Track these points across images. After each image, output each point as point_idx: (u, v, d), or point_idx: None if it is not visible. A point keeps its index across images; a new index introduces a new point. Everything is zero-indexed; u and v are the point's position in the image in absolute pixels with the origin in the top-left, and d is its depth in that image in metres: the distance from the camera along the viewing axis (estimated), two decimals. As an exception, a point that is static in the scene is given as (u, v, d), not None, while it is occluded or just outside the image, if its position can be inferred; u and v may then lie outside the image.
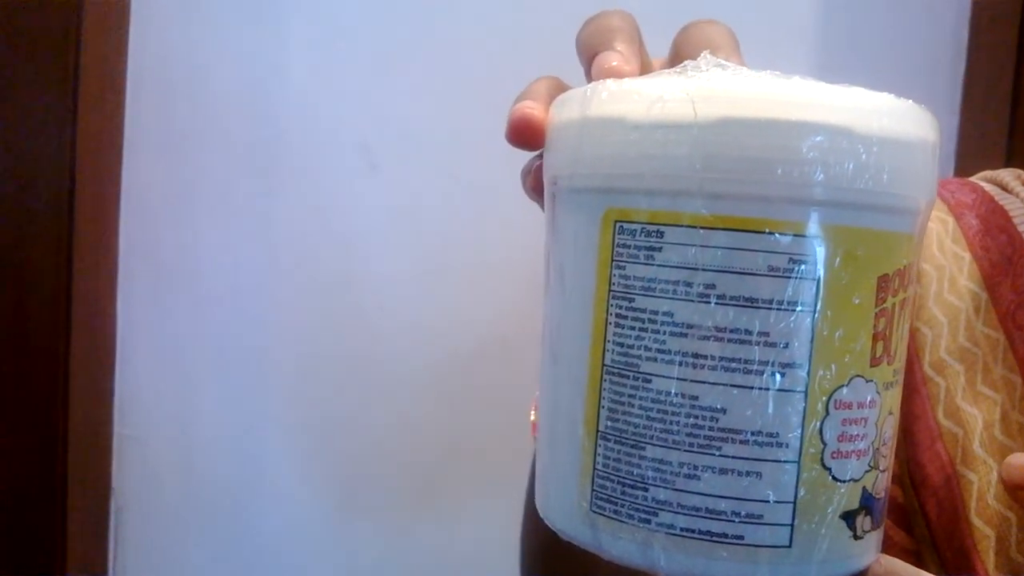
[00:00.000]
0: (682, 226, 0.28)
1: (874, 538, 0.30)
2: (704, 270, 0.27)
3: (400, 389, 1.17)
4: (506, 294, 1.12)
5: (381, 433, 1.19)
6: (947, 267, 0.48)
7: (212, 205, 1.17)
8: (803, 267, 0.27)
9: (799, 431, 0.28)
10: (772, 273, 0.27)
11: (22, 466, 1.13)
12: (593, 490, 0.30)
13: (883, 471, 0.30)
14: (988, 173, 0.53)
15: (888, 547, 0.44)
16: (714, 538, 0.28)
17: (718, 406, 0.28)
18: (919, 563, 0.44)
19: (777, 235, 0.27)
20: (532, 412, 0.36)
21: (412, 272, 1.17)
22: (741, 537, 0.28)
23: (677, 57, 0.35)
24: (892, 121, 0.28)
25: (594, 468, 0.30)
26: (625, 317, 0.29)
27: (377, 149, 1.16)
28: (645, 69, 0.35)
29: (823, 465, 0.28)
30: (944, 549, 0.43)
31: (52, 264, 1.11)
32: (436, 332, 1.16)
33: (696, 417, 0.28)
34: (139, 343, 1.18)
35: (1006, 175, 0.52)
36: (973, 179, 0.54)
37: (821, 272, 0.27)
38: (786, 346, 0.27)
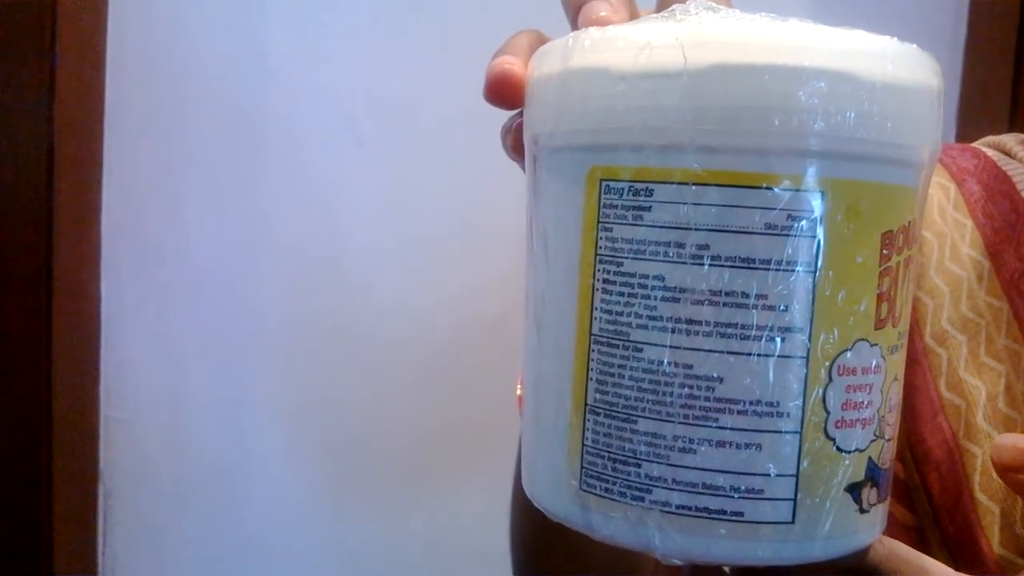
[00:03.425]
0: (673, 183, 0.26)
1: (880, 511, 0.29)
2: (697, 230, 0.26)
3: (389, 367, 1.17)
4: (496, 272, 1.10)
5: (371, 413, 1.18)
6: (948, 234, 0.47)
7: (197, 182, 1.16)
8: (802, 224, 0.26)
9: (801, 399, 0.26)
10: (770, 231, 0.26)
11: (6, 449, 1.12)
12: (582, 467, 0.28)
13: (889, 440, 0.29)
14: (991, 138, 0.52)
15: (889, 524, 0.43)
16: (712, 515, 0.26)
17: (714, 375, 0.26)
18: (921, 540, 0.43)
19: (775, 190, 0.26)
20: (518, 387, 0.34)
21: (400, 250, 1.16)
22: (741, 514, 0.26)
23: (664, 7, 0.33)
24: (896, 66, 0.27)
25: (583, 444, 0.28)
26: (613, 282, 0.27)
27: (364, 126, 1.15)
28: None
29: (827, 435, 0.27)
30: (947, 525, 0.42)
31: (31, 243, 1.10)
32: (426, 310, 1.16)
33: (691, 387, 0.26)
34: (125, 323, 1.17)
35: (1010, 140, 0.51)
36: (975, 144, 0.52)
37: (822, 229, 0.26)
38: (785, 309, 0.26)
